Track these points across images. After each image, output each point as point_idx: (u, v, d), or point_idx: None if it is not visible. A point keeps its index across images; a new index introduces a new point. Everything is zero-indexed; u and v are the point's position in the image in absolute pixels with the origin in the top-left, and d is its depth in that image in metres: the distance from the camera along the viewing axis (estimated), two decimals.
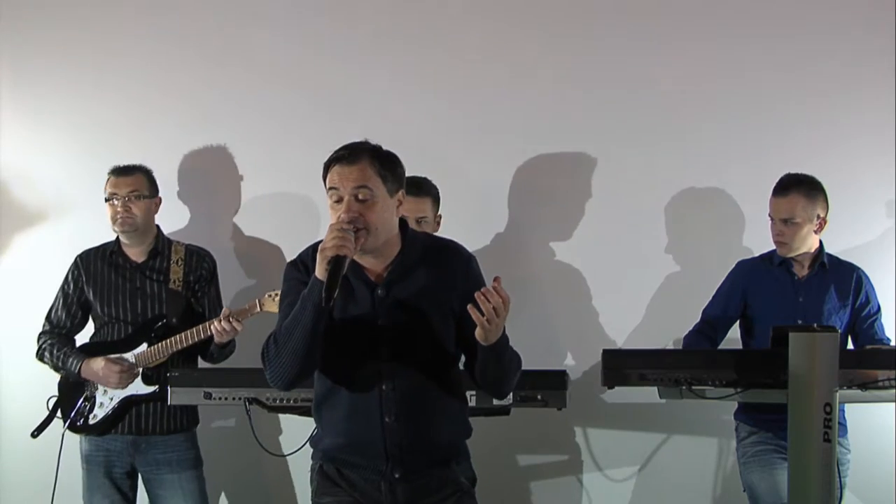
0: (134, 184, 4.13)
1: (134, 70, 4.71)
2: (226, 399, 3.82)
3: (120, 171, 4.16)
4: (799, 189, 3.94)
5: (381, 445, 2.88)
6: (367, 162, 2.84)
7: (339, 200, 2.83)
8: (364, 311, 2.87)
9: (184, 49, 4.70)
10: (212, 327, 3.92)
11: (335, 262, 2.71)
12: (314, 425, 3.05)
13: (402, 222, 2.97)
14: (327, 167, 2.88)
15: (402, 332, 2.87)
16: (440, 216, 4.10)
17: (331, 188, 2.86)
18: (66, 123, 4.74)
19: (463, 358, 3.04)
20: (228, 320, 3.89)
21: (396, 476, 2.90)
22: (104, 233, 4.25)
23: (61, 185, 4.72)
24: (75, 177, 4.69)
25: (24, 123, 4.76)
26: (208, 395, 3.83)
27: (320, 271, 2.74)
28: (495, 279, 2.78)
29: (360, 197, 2.82)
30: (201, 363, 4.21)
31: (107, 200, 4.13)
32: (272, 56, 4.67)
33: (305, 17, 4.67)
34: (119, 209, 4.10)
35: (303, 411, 3.69)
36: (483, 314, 2.74)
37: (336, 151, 2.89)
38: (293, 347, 2.78)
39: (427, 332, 2.89)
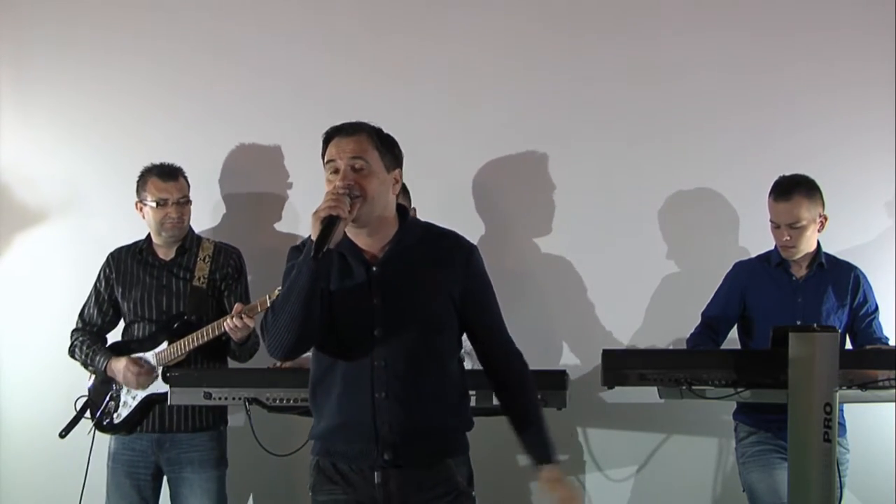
0: (183, 188, 4.14)
1: (135, 68, 4.71)
2: (226, 399, 3.82)
3: (168, 175, 4.13)
4: (799, 191, 3.93)
5: (370, 424, 2.88)
6: (365, 135, 2.90)
7: (336, 171, 2.87)
8: (359, 289, 2.89)
9: (187, 47, 4.70)
10: (225, 325, 3.92)
11: (328, 221, 2.75)
12: (313, 425, 3.04)
13: (402, 209, 3.00)
14: (326, 141, 2.92)
15: (396, 311, 2.89)
16: (414, 209, 4.10)
17: (328, 161, 2.90)
18: (67, 123, 4.74)
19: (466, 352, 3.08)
20: (240, 317, 3.89)
21: (386, 458, 2.88)
22: (105, 232, 4.26)
23: (62, 185, 4.72)
24: (77, 177, 4.69)
25: (25, 123, 4.77)
26: (208, 395, 3.83)
27: (314, 232, 2.77)
28: None
29: (357, 166, 2.86)
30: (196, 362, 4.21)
31: (157, 205, 4.08)
32: (271, 52, 4.68)
33: (308, 14, 4.69)
34: (173, 215, 4.10)
35: (303, 411, 3.68)
36: None
37: (333, 126, 2.94)
38: (290, 311, 2.80)
39: (422, 313, 2.91)
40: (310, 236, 2.91)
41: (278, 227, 4.69)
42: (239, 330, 3.90)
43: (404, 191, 4.07)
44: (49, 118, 4.76)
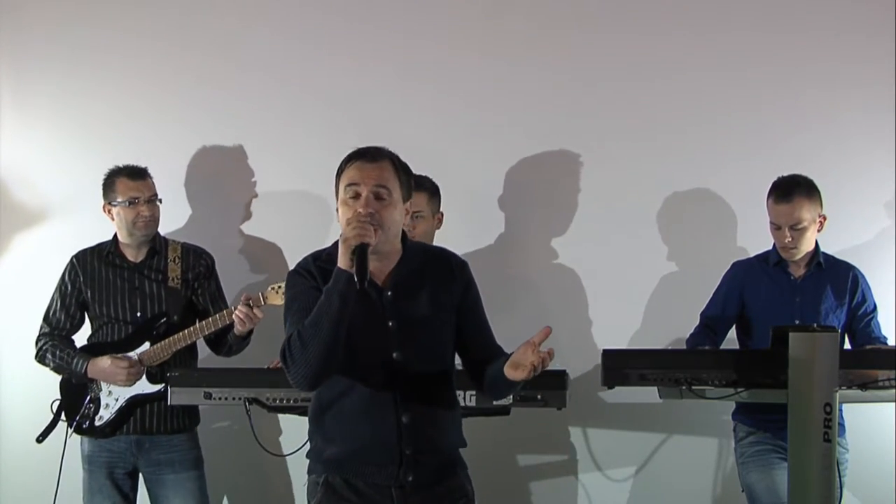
0: (153, 187, 4.15)
1: (134, 70, 4.71)
2: (226, 399, 3.83)
3: (137, 174, 4.13)
4: (800, 192, 3.93)
5: (396, 447, 2.89)
6: (388, 162, 2.90)
7: (356, 196, 2.86)
8: (374, 315, 2.90)
9: (185, 48, 4.70)
10: (235, 315, 3.91)
11: (360, 250, 2.75)
12: (318, 448, 3.01)
13: (402, 232, 3.02)
14: (346, 163, 2.92)
15: (412, 334, 2.91)
16: (442, 214, 4.11)
17: (349, 184, 2.88)
18: (66, 123, 4.74)
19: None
20: (249, 305, 3.89)
21: (410, 479, 2.90)
22: (104, 233, 4.25)
23: (61, 185, 4.72)
24: (75, 177, 4.68)
25: (24, 123, 4.76)
26: (208, 395, 3.83)
27: (344, 261, 2.76)
28: (549, 351, 2.84)
29: (380, 196, 2.86)
30: (201, 363, 4.22)
31: (129, 203, 4.09)
32: (272, 54, 4.68)
33: (306, 15, 4.68)
34: (145, 213, 4.10)
35: (302, 411, 3.67)
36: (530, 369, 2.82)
37: (357, 149, 2.93)
38: (322, 339, 2.77)
39: (435, 334, 2.95)
40: (308, 258, 2.94)
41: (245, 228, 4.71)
42: (249, 320, 3.90)
43: (436, 195, 4.07)
44: (49, 118, 4.75)
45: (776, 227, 3.98)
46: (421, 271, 2.96)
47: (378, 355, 2.89)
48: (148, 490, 4.16)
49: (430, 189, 4.06)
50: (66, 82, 4.75)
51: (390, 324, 2.90)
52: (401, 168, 2.93)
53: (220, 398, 3.83)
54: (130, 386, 4.04)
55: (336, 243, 2.84)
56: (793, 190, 3.93)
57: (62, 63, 4.75)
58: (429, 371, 2.91)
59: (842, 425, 3.95)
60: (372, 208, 2.83)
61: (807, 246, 3.98)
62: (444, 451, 2.97)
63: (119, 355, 4.05)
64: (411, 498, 2.91)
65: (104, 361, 4.04)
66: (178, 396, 3.87)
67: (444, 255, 3.07)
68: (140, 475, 4.16)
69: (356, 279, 2.73)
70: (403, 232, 3.01)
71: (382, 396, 2.89)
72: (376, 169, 2.87)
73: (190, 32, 4.71)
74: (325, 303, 2.78)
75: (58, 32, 4.75)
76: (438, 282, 2.96)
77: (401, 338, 2.90)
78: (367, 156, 2.89)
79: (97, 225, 4.33)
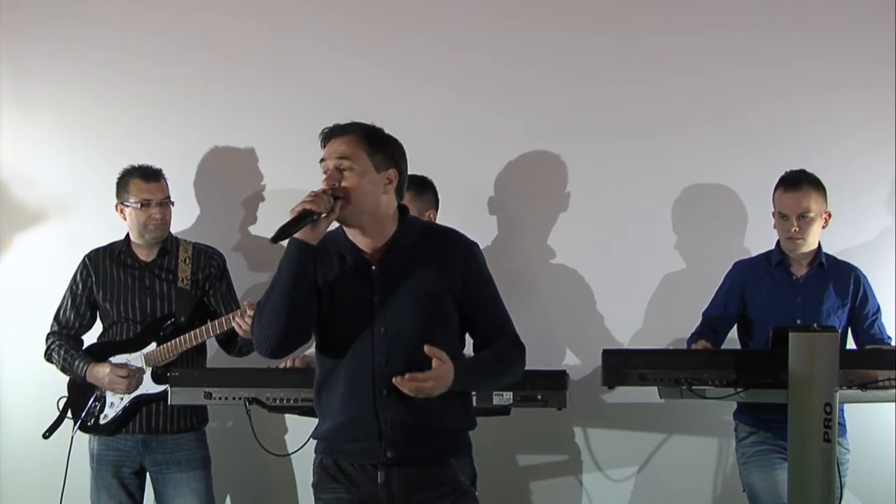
0: (164, 189, 4.15)
1: (135, 68, 4.71)
2: (226, 399, 3.82)
3: (150, 176, 4.13)
4: (809, 182, 3.95)
5: (373, 421, 2.91)
6: (355, 136, 2.94)
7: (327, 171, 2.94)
8: (360, 290, 2.93)
9: (187, 47, 4.69)
10: (233, 322, 3.93)
11: (300, 214, 2.82)
12: (314, 425, 3.07)
13: (404, 208, 3.03)
14: (322, 144, 2.98)
15: (396, 310, 2.92)
16: (432, 213, 4.08)
17: (321, 161, 2.96)
18: (66, 122, 4.73)
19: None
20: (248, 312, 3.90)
21: (389, 455, 2.90)
22: (105, 232, 4.25)
23: (61, 185, 4.72)
24: (76, 176, 4.69)
25: (24, 123, 4.76)
26: (209, 395, 3.83)
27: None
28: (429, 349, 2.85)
29: (342, 167, 2.91)
30: (209, 363, 4.24)
31: (141, 206, 4.08)
32: (275, 53, 4.68)
33: (313, 15, 4.68)
34: (157, 216, 4.10)
35: (303, 411, 3.70)
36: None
37: (328, 126, 3.00)
38: (274, 305, 2.87)
39: (422, 311, 2.93)
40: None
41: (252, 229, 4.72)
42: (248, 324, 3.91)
43: (424, 193, 4.04)
44: (49, 118, 4.75)
45: (783, 217, 3.97)
46: (417, 248, 2.97)
47: (361, 330, 2.92)
48: (154, 489, 4.17)
49: (415, 186, 4.02)
50: (66, 82, 4.75)
51: (375, 298, 2.92)
52: (369, 138, 2.95)
53: (220, 398, 3.82)
54: (130, 394, 4.04)
55: (340, 227, 2.95)
56: (801, 179, 3.95)
57: (63, 62, 4.75)
58: (414, 348, 2.89)
59: (843, 425, 3.95)
60: (335, 180, 2.89)
61: (812, 240, 3.98)
62: (432, 430, 2.94)
63: (119, 363, 4.05)
64: (396, 479, 2.92)
65: (103, 369, 4.04)
66: (178, 396, 3.87)
67: (448, 235, 3.07)
68: (147, 475, 4.16)
69: (275, 233, 2.80)
70: (405, 208, 3.03)
71: (363, 371, 2.91)
72: (340, 143, 2.93)
73: (194, 31, 4.70)
74: (278, 272, 2.88)
75: (58, 32, 4.75)
76: (436, 261, 2.96)
77: (385, 313, 2.91)
78: (334, 131, 2.97)
79: (97, 225, 4.34)
